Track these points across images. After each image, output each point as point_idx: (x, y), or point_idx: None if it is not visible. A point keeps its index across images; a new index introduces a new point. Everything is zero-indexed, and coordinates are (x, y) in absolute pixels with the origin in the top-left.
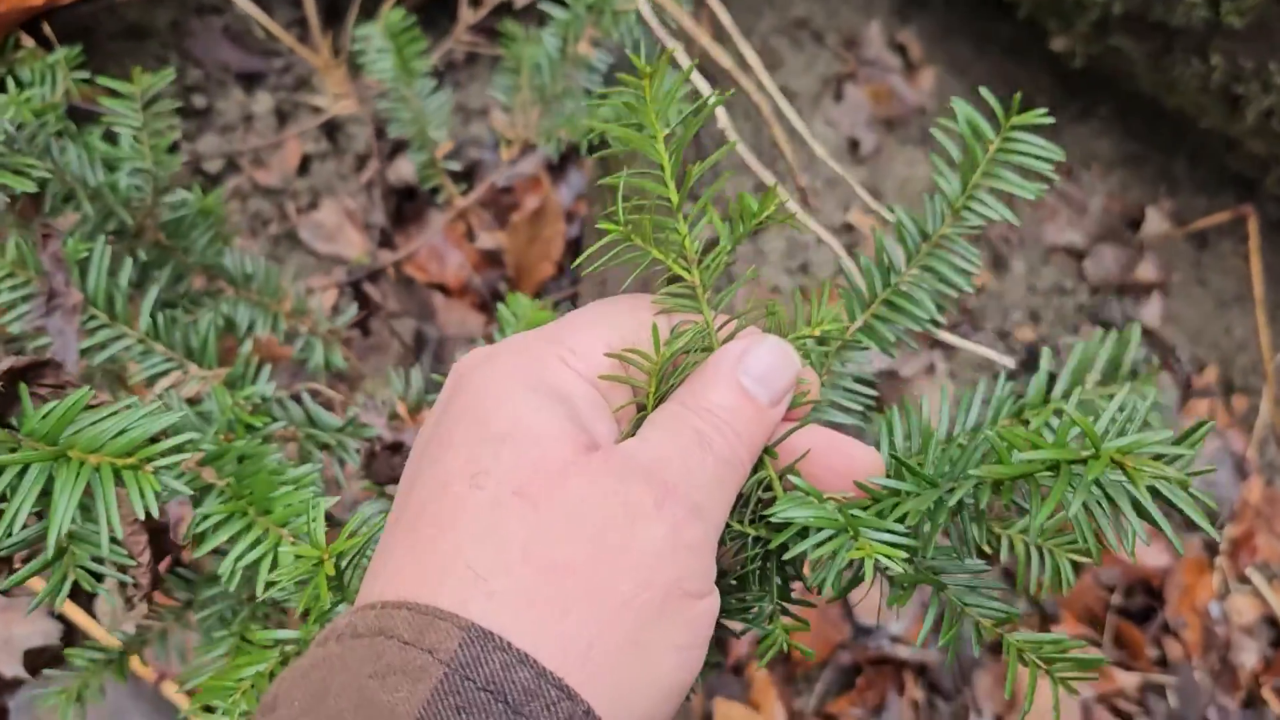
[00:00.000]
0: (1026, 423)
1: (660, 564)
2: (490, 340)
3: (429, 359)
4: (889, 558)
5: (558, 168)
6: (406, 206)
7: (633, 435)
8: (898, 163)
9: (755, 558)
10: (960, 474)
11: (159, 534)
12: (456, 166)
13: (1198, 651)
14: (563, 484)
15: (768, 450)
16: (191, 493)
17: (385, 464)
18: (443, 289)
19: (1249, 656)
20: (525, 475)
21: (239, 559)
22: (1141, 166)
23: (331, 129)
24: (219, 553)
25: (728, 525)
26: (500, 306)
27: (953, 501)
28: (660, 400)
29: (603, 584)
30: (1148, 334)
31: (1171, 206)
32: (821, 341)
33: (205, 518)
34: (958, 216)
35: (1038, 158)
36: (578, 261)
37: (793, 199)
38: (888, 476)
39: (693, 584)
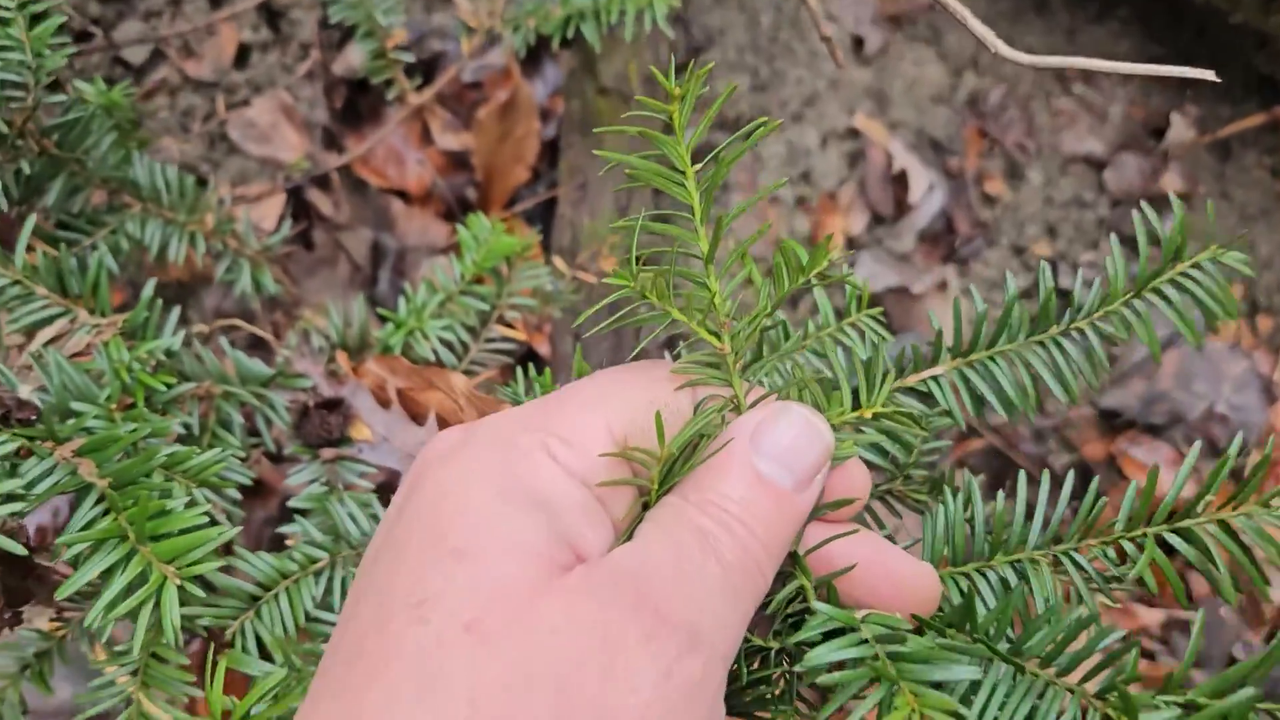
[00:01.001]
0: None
1: (648, 716)
2: (456, 251)
3: (388, 274)
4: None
5: (530, 61)
6: (360, 103)
7: (630, 538)
8: (905, 62)
9: (779, 676)
10: (1053, 654)
11: (16, 568)
12: (410, 57)
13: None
14: (528, 614)
15: (795, 554)
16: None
17: (319, 424)
18: (402, 195)
19: (1275, 590)
20: (481, 604)
21: (111, 606)
22: None
23: (273, 14)
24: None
25: (746, 638)
26: (460, 229)
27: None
28: (666, 491)
29: None
30: None
31: (1197, 113)
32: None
33: (83, 528)
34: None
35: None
36: (577, 322)
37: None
38: (948, 628)
39: None
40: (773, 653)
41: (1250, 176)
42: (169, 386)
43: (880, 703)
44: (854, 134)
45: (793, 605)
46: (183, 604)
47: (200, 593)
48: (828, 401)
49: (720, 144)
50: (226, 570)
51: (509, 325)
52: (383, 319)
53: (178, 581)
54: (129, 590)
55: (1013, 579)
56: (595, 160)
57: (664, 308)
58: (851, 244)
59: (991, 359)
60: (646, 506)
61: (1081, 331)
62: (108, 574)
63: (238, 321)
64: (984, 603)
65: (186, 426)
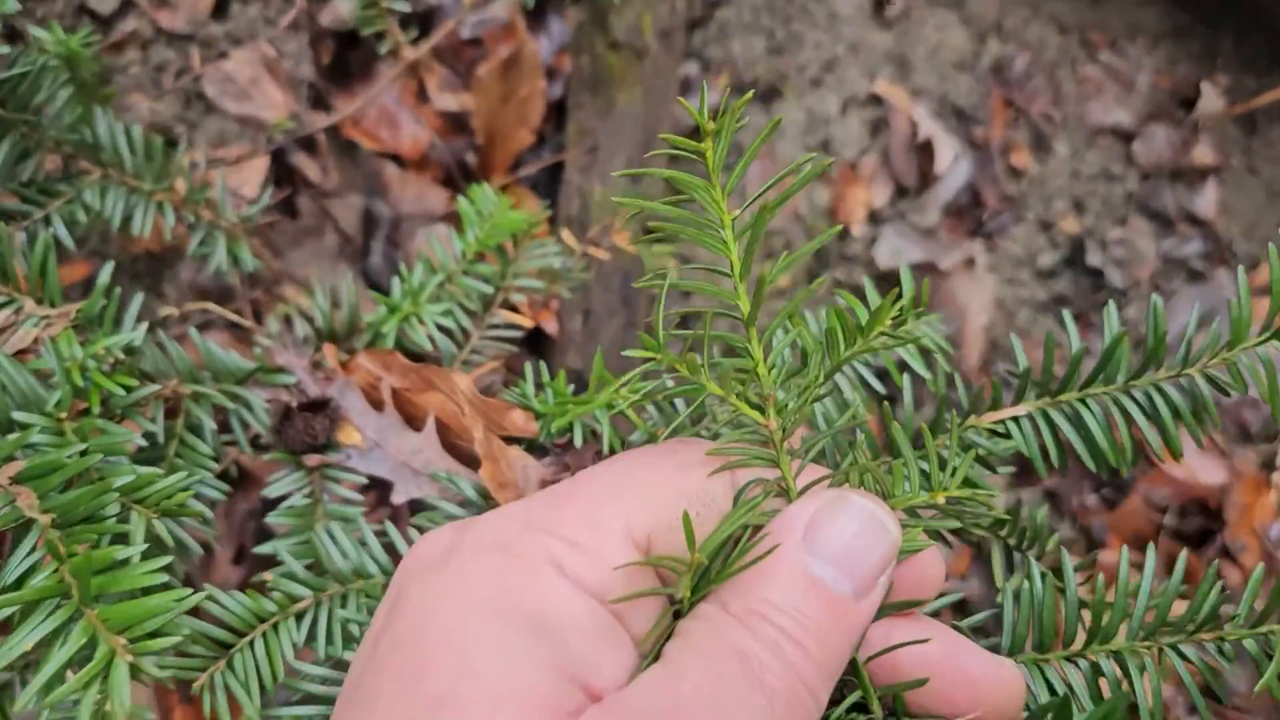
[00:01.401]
0: None
1: None
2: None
3: (381, 245)
4: None
5: (535, 14)
6: (350, 58)
7: (655, 659)
8: (928, 27)
9: None
10: None
11: None
12: (405, 7)
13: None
14: None
15: (854, 661)
16: None
17: (303, 427)
18: (396, 159)
19: None
20: None
21: (48, 688)
22: (1188, 41)
23: None
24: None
25: None
26: (461, 201)
27: None
28: (701, 597)
29: None
30: (1201, 225)
31: (1226, 83)
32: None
33: (17, 580)
34: None
35: None
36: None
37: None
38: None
39: None
40: None
41: (1277, 151)
42: (129, 390)
43: None
44: (875, 101)
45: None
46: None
47: (156, 671)
48: (891, 482)
49: (737, 105)
50: (194, 612)
51: (514, 309)
52: (376, 297)
53: (129, 658)
54: (73, 664)
55: (1110, 670)
56: (605, 122)
57: (697, 380)
58: (874, 217)
59: (1083, 401)
60: (678, 616)
61: (1189, 378)
62: (47, 642)
63: (210, 306)
64: (1079, 703)
65: (149, 436)
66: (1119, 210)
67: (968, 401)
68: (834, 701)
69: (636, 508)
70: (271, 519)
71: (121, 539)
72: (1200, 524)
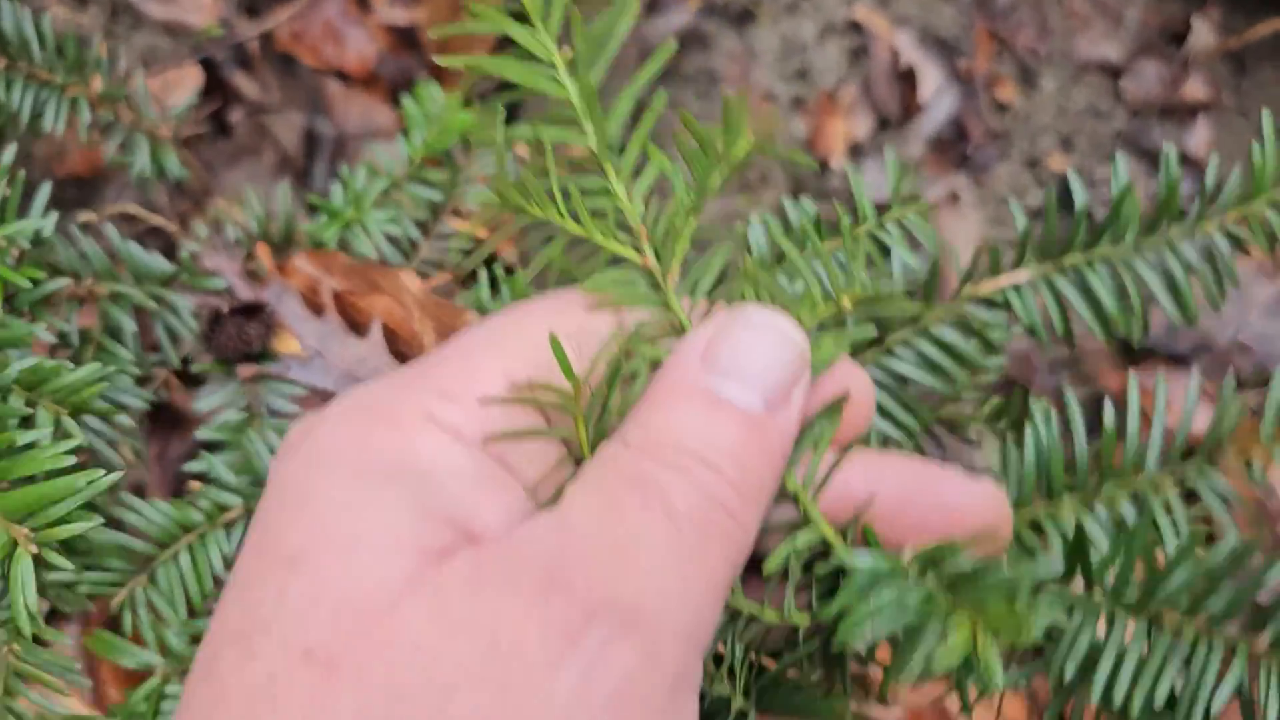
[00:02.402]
0: None
1: None
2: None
3: (324, 165)
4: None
5: None
6: None
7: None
8: None
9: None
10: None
11: None
12: None
13: (1249, 527)
14: (385, 626)
15: (798, 497)
16: None
17: (236, 334)
18: (341, 75)
19: None
20: (323, 622)
21: None
22: None
23: None
24: None
25: (753, 616)
26: (406, 102)
27: None
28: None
29: None
30: (1192, 164)
31: (1217, 18)
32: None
33: None
34: None
35: None
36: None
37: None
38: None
39: None
40: (800, 631)
41: (1266, 92)
42: (36, 283)
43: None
44: (855, 28)
45: (820, 565)
46: (49, 569)
47: (66, 563)
48: (794, 300)
49: (710, 33)
50: (113, 523)
51: (463, 217)
52: (314, 208)
53: (34, 550)
54: None
55: (1130, 515)
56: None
57: (554, 219)
58: (855, 150)
59: (1090, 264)
60: (580, 463)
61: (1208, 235)
62: None
63: (133, 208)
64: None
65: (63, 337)
66: (1107, 148)
67: (961, 270)
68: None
69: (515, 353)
70: (202, 434)
71: (28, 424)
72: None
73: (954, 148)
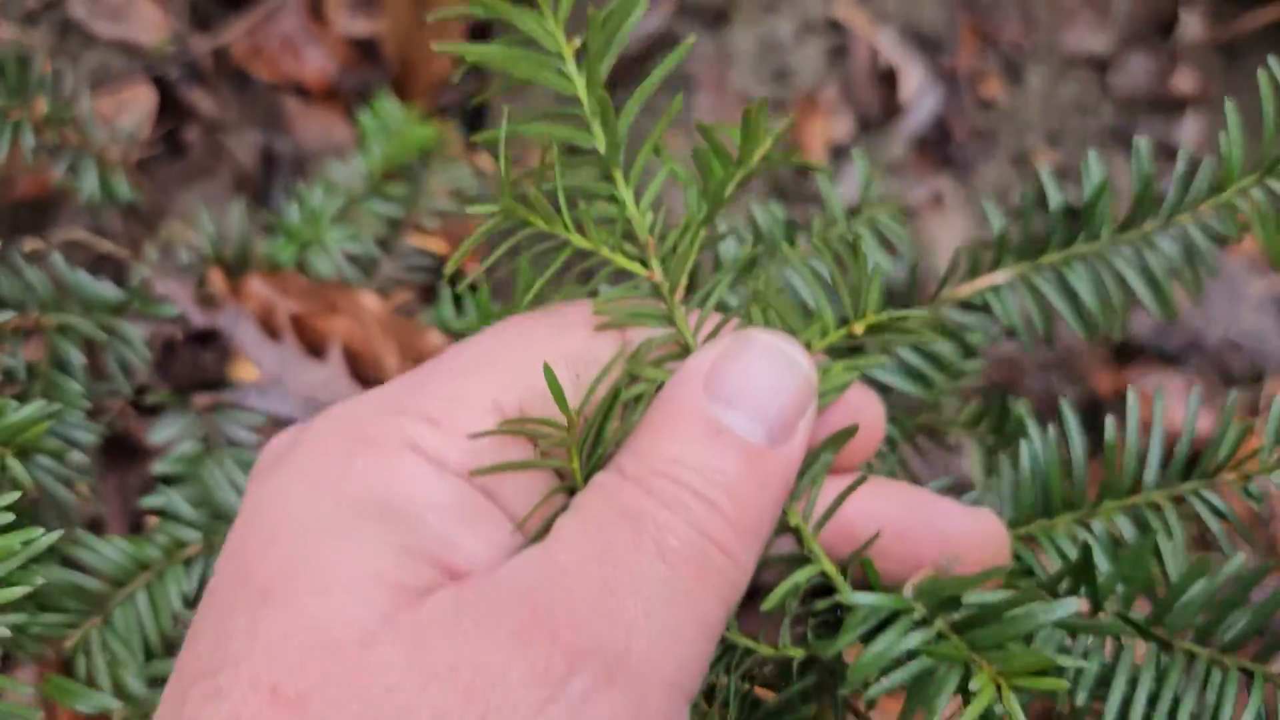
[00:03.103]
0: None
1: None
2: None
3: (283, 184)
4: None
5: None
6: None
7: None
8: None
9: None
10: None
11: None
12: None
13: (1243, 521)
14: (357, 667)
15: (799, 530)
16: None
17: (190, 361)
18: (300, 90)
19: None
20: (292, 661)
21: None
22: None
23: None
24: None
25: (750, 649)
26: (363, 118)
27: None
28: (595, 466)
29: None
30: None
31: (1205, 8)
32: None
33: None
34: None
35: None
36: (453, 265)
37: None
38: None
39: None
40: (795, 664)
41: (1256, 81)
42: None
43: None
44: (834, 27)
45: (820, 601)
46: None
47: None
48: (804, 324)
49: (684, 36)
50: (68, 563)
51: (425, 232)
52: (270, 228)
53: None
54: None
55: (1128, 531)
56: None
57: (558, 232)
58: (836, 152)
59: (1067, 263)
60: (573, 494)
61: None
62: None
63: (82, 235)
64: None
65: (8, 373)
66: (1094, 143)
67: (944, 273)
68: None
69: (505, 377)
70: (159, 468)
71: None
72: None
73: (937, 147)
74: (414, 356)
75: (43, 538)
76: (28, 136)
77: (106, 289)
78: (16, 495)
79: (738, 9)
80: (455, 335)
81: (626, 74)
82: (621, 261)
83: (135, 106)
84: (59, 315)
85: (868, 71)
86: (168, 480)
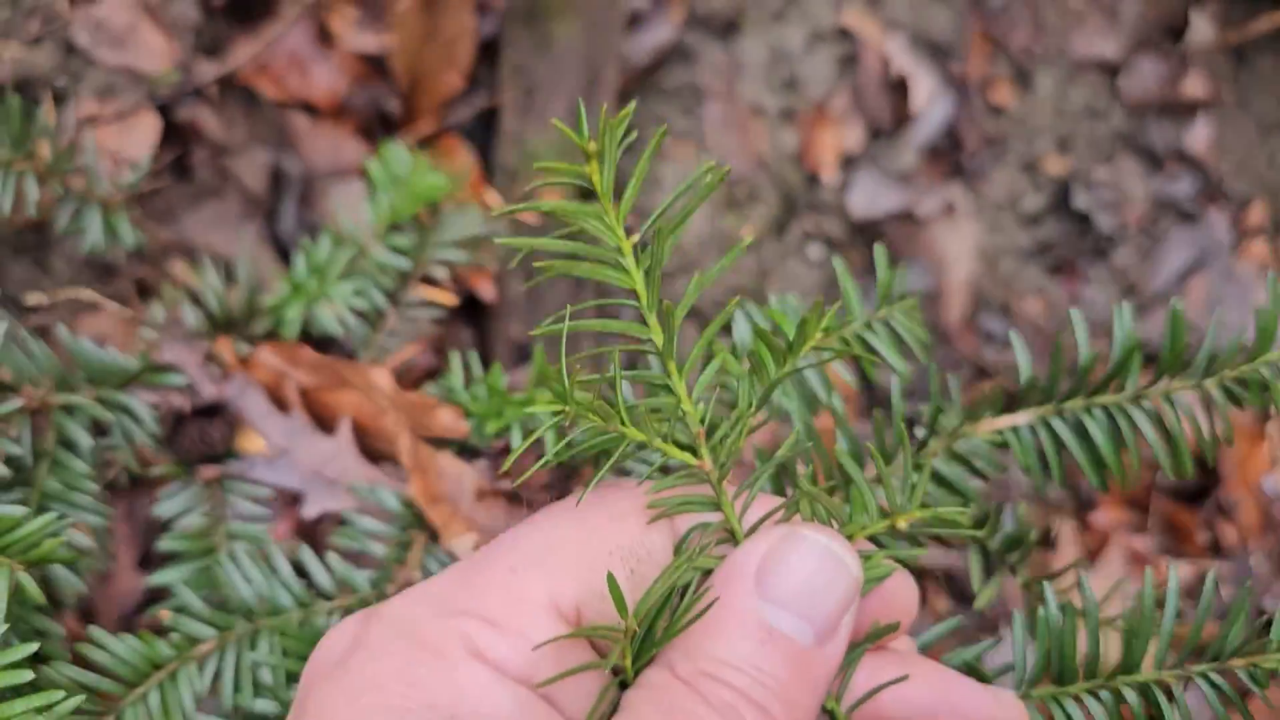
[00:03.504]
0: None
1: None
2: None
3: (292, 206)
4: None
5: None
6: None
7: None
8: None
9: None
10: None
11: None
12: None
13: (1254, 534)
14: None
15: (833, 715)
16: None
17: (198, 436)
18: (308, 108)
19: None
20: None
21: None
22: None
23: None
24: None
25: None
26: (371, 165)
27: None
28: (648, 662)
29: None
30: (1192, 163)
31: (1215, 11)
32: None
33: None
34: None
35: None
36: (514, 459)
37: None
38: None
39: None
40: None
41: (1268, 84)
42: None
43: None
44: (844, 35)
45: None
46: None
47: None
48: (849, 511)
49: (694, 47)
50: (79, 662)
51: (434, 284)
52: (278, 275)
53: None
54: None
55: (1133, 699)
56: (543, 59)
57: (613, 428)
58: (847, 162)
59: (1088, 411)
60: (624, 686)
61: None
62: None
63: (84, 293)
64: None
65: (11, 461)
66: (1105, 149)
67: (960, 407)
68: None
69: (561, 573)
70: (164, 545)
71: None
72: (1194, 479)
73: (948, 156)
74: (423, 431)
75: (64, 702)
76: (32, 188)
77: (112, 359)
78: (32, 648)
79: (747, 18)
80: (467, 414)
81: (636, 84)
82: (673, 453)
83: (139, 133)
84: (65, 395)
85: (878, 80)
86: (172, 556)
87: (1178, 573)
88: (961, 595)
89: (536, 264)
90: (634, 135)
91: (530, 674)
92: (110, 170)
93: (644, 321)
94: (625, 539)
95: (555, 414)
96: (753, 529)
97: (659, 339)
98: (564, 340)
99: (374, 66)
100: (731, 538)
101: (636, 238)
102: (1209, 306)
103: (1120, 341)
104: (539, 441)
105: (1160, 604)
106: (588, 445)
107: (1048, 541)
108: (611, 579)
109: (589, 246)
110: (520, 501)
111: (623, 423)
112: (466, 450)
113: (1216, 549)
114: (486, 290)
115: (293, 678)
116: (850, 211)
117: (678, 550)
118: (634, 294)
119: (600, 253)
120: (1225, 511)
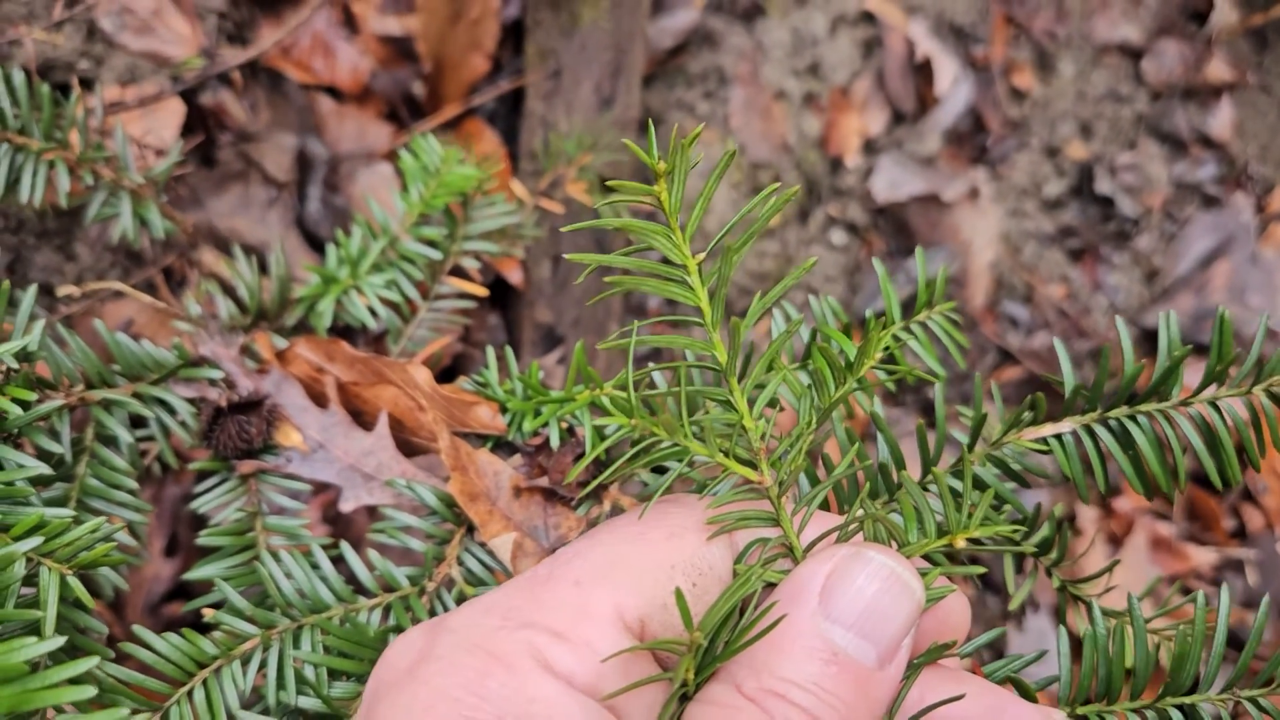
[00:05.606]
0: None
1: None
2: (400, 182)
3: (318, 190)
4: None
5: None
6: None
7: None
8: None
9: None
10: None
11: None
12: None
13: None
14: None
15: None
16: None
17: (236, 432)
18: (333, 92)
19: None
20: None
21: None
22: None
23: None
24: None
25: None
26: (403, 155)
27: None
28: (711, 675)
29: None
30: (1215, 147)
31: None
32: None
33: None
34: None
35: None
36: (584, 465)
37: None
38: None
39: None
40: None
41: None
42: (25, 405)
43: None
44: (868, 18)
45: None
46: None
47: None
48: (905, 528)
49: (717, 30)
50: (121, 658)
51: (465, 275)
52: (309, 267)
53: None
54: None
55: None
56: (569, 41)
57: (677, 440)
58: (869, 146)
59: (1133, 418)
60: (685, 699)
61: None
62: None
63: (115, 285)
64: None
65: (45, 456)
66: (1128, 133)
67: (1003, 420)
68: None
69: (626, 587)
70: (203, 540)
71: (30, 632)
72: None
73: (971, 140)
74: (460, 427)
75: (121, 714)
76: (64, 179)
77: (147, 352)
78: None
79: (771, 2)
80: (503, 409)
81: (660, 66)
82: (735, 467)
83: (165, 119)
84: (104, 391)
85: (901, 64)
86: (211, 550)
87: (1227, 592)
88: (985, 583)
89: (607, 279)
90: (700, 157)
91: (596, 686)
92: (136, 157)
93: (709, 339)
94: (686, 553)
95: (623, 427)
96: (811, 545)
97: (723, 356)
98: (630, 358)
99: (399, 50)
100: (790, 553)
101: (703, 256)
102: (1233, 293)
103: (1166, 349)
104: (577, 440)
105: (1210, 629)
106: (656, 457)
107: (1071, 526)
108: (679, 594)
109: (657, 264)
110: (556, 498)
111: (685, 436)
112: (503, 445)
113: (1242, 534)
114: (514, 275)
115: (335, 675)
116: (874, 196)
117: (737, 565)
118: (699, 310)
119: (669, 271)
120: (1253, 497)
